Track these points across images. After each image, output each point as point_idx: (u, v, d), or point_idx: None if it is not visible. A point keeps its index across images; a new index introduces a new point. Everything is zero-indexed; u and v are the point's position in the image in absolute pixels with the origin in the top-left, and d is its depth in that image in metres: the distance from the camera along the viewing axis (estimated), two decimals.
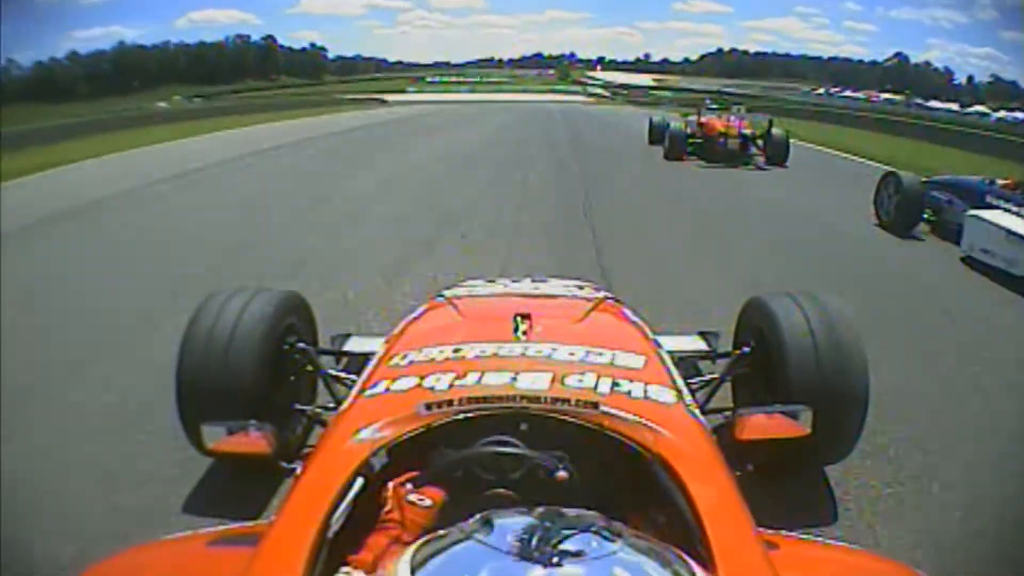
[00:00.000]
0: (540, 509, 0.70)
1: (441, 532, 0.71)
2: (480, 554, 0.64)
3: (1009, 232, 4.99)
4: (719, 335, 2.68)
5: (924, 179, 6.84)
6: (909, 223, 6.50)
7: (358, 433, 1.26)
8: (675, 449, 1.21)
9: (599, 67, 74.85)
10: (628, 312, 2.08)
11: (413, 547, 0.71)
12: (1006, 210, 5.45)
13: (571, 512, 0.70)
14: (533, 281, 2.43)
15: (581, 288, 2.31)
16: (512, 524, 0.67)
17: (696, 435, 1.29)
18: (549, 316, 1.83)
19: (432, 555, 0.67)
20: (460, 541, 0.67)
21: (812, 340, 2.06)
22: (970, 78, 58.59)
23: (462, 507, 1.13)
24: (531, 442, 1.27)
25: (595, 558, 0.63)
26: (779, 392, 2.06)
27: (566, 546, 0.63)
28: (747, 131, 11.24)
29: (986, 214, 5.48)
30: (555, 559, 0.62)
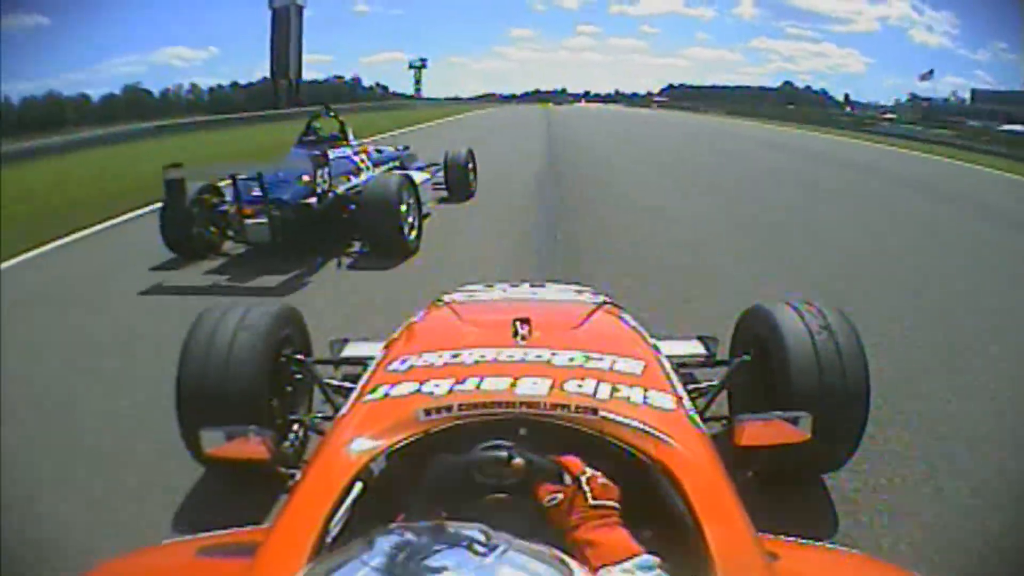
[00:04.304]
0: (426, 525, 0.71)
1: (333, 553, 0.73)
2: (353, 571, 0.65)
3: None
4: (718, 340, 2.68)
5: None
6: None
7: (356, 439, 1.26)
8: (675, 455, 1.21)
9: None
10: (627, 317, 2.07)
11: (306, 568, 0.73)
12: None
13: (453, 527, 0.71)
14: (532, 286, 2.43)
15: (580, 293, 2.31)
16: (388, 541, 0.68)
17: (696, 441, 1.29)
18: (548, 321, 1.83)
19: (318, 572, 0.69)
20: (343, 560, 0.68)
21: (814, 349, 2.05)
22: None
23: (462, 514, 1.12)
24: (531, 448, 1.27)
25: (457, 574, 0.64)
26: (779, 400, 2.04)
27: (432, 562, 0.64)
28: None
29: None
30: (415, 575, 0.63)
